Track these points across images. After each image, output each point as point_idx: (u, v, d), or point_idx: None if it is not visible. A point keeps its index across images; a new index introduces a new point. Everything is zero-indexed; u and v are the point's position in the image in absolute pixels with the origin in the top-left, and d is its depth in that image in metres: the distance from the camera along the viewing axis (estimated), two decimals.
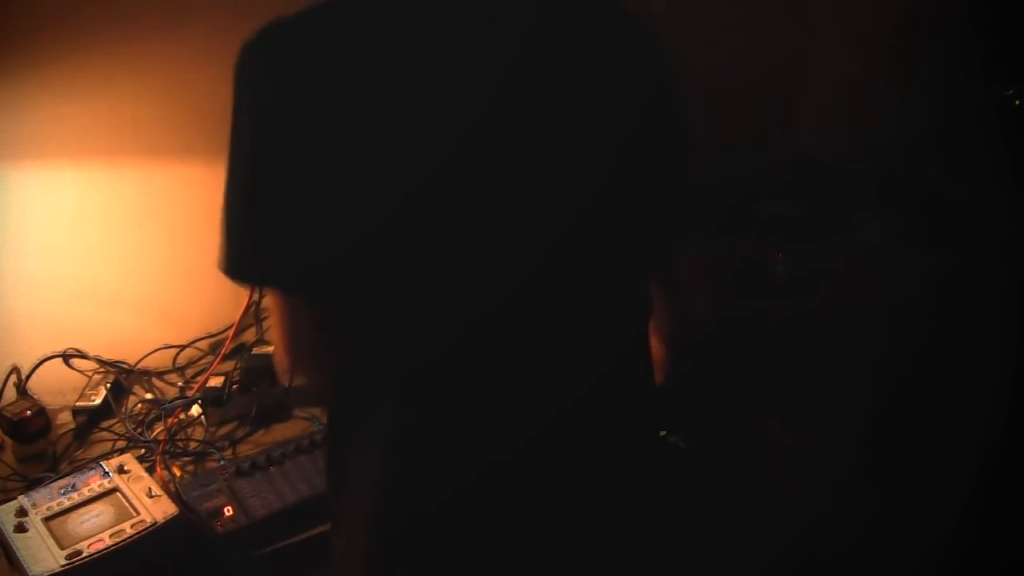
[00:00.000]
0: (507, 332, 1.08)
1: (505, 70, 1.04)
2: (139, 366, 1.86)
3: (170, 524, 1.40)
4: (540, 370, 1.11)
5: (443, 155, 1.02)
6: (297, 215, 1.01)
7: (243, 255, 1.06)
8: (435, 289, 1.06)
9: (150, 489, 1.45)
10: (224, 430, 1.71)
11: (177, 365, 1.89)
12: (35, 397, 1.68)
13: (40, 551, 1.34)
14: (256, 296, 1.88)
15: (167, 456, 1.62)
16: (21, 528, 1.38)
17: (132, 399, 1.79)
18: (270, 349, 1.81)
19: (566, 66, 1.07)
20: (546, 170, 1.06)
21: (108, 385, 1.78)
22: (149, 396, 1.79)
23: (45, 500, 1.44)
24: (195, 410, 1.73)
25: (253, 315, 1.92)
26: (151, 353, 1.88)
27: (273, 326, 1.12)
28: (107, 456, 1.60)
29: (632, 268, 1.19)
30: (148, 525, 1.39)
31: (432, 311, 1.06)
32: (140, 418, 1.73)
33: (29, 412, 1.62)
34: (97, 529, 1.39)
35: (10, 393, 1.69)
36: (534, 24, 1.06)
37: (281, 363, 1.14)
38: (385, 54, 1.01)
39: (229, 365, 1.80)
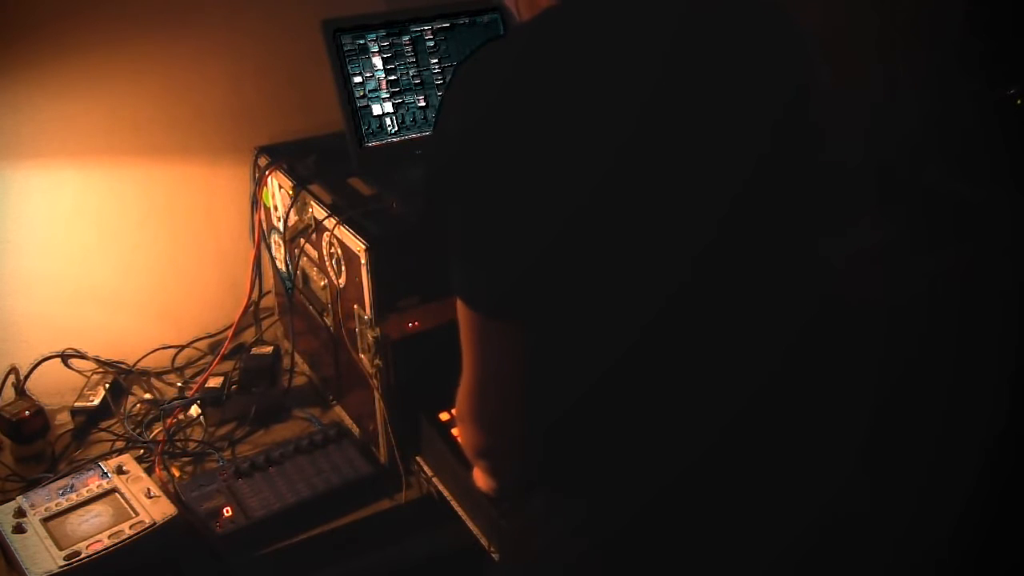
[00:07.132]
0: (692, 332, 1.09)
1: (672, 68, 1.04)
2: (138, 366, 1.86)
3: (169, 525, 1.40)
4: (722, 372, 1.12)
5: (639, 173, 1.01)
6: (518, 237, 0.99)
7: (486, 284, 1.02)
8: (633, 291, 1.05)
9: (149, 490, 1.45)
10: (223, 430, 1.70)
11: (176, 365, 1.89)
12: (33, 397, 1.68)
13: (39, 552, 1.34)
14: (255, 296, 1.88)
15: (166, 456, 1.62)
16: (20, 529, 1.38)
17: (131, 399, 1.79)
18: (268, 349, 1.81)
19: (719, 58, 1.08)
20: (713, 166, 1.07)
21: (107, 385, 1.78)
22: (148, 396, 1.79)
23: (44, 501, 1.43)
24: (194, 410, 1.73)
25: (252, 315, 1.92)
26: (150, 353, 1.88)
27: (474, 380, 1.06)
28: (106, 456, 1.60)
29: (795, 261, 1.20)
30: (147, 526, 1.39)
31: (625, 314, 1.06)
32: (139, 418, 1.73)
33: (27, 412, 1.62)
34: (96, 530, 1.39)
35: (8, 393, 1.69)
36: (683, 16, 1.07)
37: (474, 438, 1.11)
38: (589, 74, 1.01)
39: (228, 365, 1.80)
